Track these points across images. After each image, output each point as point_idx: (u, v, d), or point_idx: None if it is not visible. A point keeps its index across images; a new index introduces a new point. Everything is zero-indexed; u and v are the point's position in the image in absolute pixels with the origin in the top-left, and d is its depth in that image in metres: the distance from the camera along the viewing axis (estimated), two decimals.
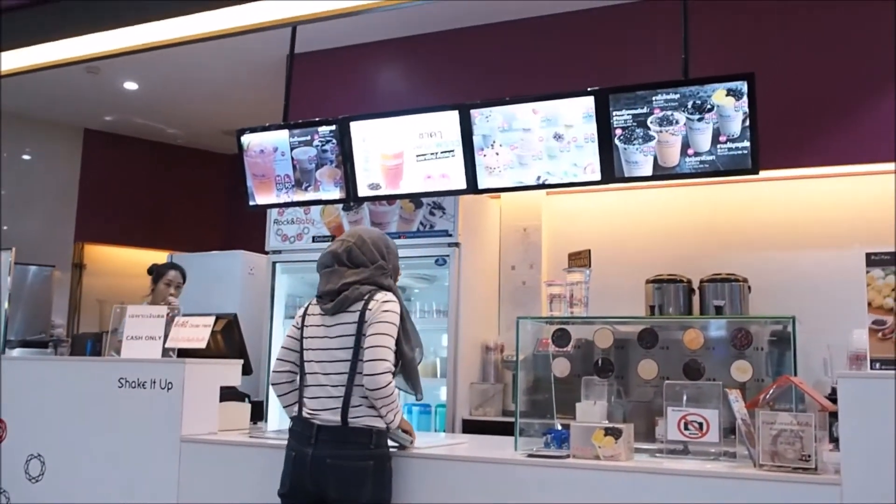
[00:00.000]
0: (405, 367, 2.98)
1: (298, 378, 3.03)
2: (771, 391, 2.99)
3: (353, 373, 2.87)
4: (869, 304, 2.66)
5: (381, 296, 2.94)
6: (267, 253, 5.45)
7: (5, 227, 7.37)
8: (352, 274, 2.98)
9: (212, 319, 3.97)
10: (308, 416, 2.94)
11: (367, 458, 2.85)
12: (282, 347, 3.12)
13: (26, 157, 7.70)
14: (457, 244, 4.85)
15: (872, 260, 2.72)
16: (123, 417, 3.75)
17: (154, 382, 3.72)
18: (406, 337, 2.98)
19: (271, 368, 3.14)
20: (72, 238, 7.98)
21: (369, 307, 2.90)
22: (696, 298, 4.54)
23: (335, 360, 2.92)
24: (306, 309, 3.10)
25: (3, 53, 4.49)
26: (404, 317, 2.99)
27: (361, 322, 2.88)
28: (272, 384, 3.12)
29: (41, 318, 6.97)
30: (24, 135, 7.55)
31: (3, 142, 7.41)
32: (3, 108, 6.90)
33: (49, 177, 7.83)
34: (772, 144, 3.85)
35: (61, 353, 4.86)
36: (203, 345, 3.80)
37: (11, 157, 7.58)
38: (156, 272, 5.01)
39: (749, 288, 4.45)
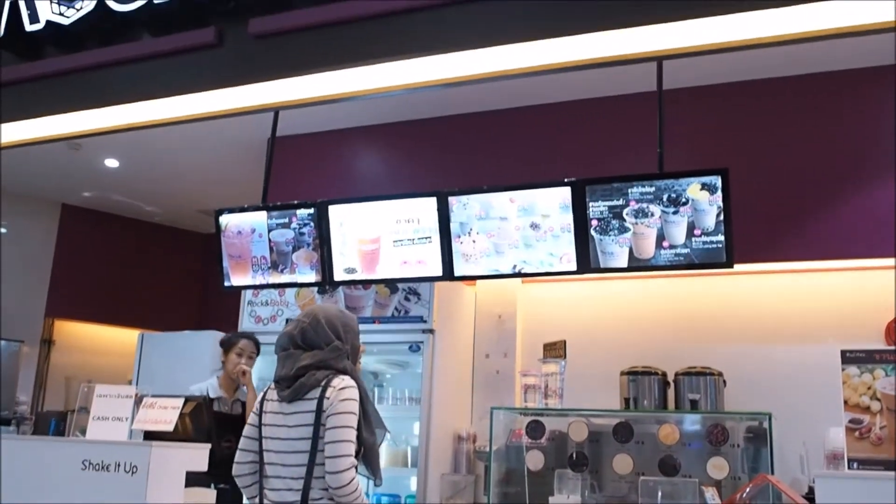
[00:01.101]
0: (366, 452, 2.89)
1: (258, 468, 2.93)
2: (748, 490, 2.95)
3: (313, 465, 2.78)
4: (845, 402, 2.65)
5: (338, 381, 2.84)
6: None
7: None
8: (307, 357, 2.89)
9: (180, 401, 3.88)
10: None
11: None
12: (243, 437, 3.00)
13: (2, 230, 7.63)
14: (431, 330, 4.82)
15: (848, 357, 2.72)
16: (86, 501, 3.62)
17: (119, 465, 3.59)
18: (366, 420, 2.89)
19: (235, 459, 3.03)
20: (42, 313, 7.86)
21: (327, 395, 2.80)
22: (670, 391, 4.51)
23: (295, 450, 2.82)
24: (264, 394, 3.01)
25: None
26: (364, 399, 2.89)
27: (319, 411, 2.79)
28: (235, 476, 3.01)
29: (6, 394, 6.81)
30: (1, 208, 7.50)
31: None
32: None
33: (24, 250, 7.75)
34: (747, 238, 3.89)
35: (24, 431, 4.73)
36: (171, 427, 3.71)
37: None
38: (227, 343, 4.78)
39: (724, 382, 4.43)
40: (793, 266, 4.63)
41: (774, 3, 2.94)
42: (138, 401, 3.91)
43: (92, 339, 8.22)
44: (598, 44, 3.17)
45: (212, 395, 4.45)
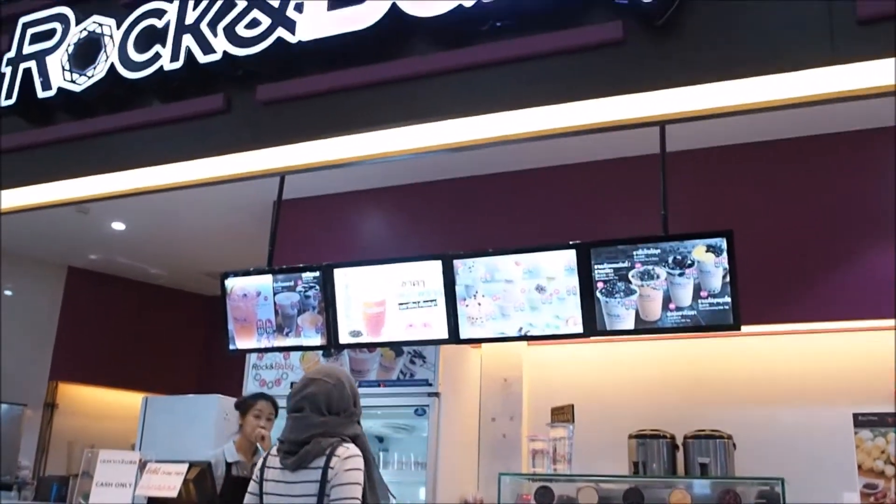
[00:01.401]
0: None
1: None
2: None
3: None
4: (859, 467, 2.62)
5: (343, 450, 2.76)
6: None
7: None
8: (321, 423, 2.79)
9: (184, 467, 3.84)
10: None
11: None
12: None
13: (8, 292, 7.65)
14: (437, 394, 4.78)
15: (860, 421, 2.70)
16: None
17: None
18: (371, 488, 2.82)
19: None
20: (46, 376, 7.82)
21: (331, 465, 2.71)
22: (680, 455, 4.44)
23: None
24: (265, 460, 2.93)
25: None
26: (369, 464, 2.81)
27: (324, 481, 2.73)
28: None
29: (8, 458, 6.75)
30: (8, 271, 7.53)
31: None
32: None
33: (29, 313, 7.76)
34: (754, 299, 3.87)
35: (25, 496, 4.67)
36: (174, 493, 3.68)
37: None
38: (244, 405, 4.58)
39: (734, 445, 4.37)
40: (801, 327, 4.60)
41: (774, 69, 2.98)
42: (142, 466, 3.87)
43: (95, 403, 8.17)
44: (601, 109, 3.22)
45: (229, 460, 4.36)
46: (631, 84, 3.17)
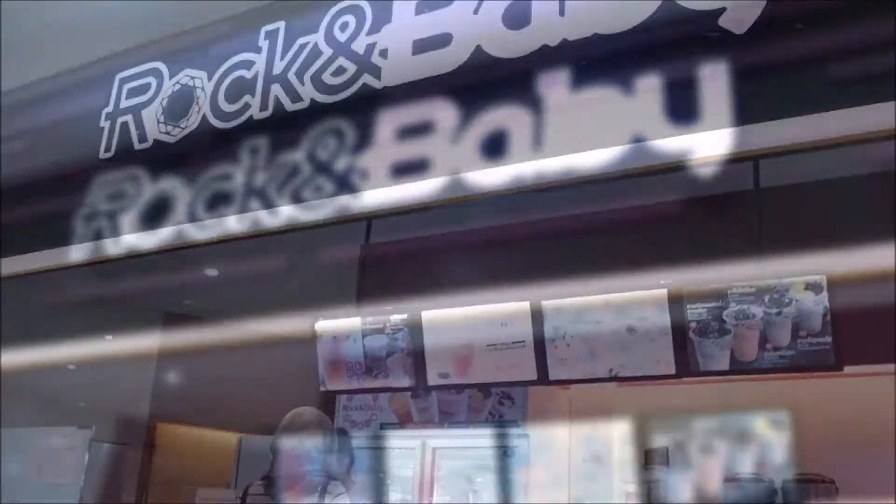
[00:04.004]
0: None
1: None
2: None
3: None
4: None
5: None
6: None
7: (82, 404, 7.49)
8: None
9: None
10: None
11: None
12: None
13: (108, 337, 7.89)
14: (526, 435, 4.73)
15: None
16: None
17: None
18: None
19: None
20: (146, 415, 8.03)
21: None
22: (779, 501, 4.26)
23: None
24: None
25: None
26: None
27: None
28: None
29: (110, 497, 6.95)
30: (107, 317, 7.78)
31: None
32: None
33: (128, 356, 7.98)
34: (857, 338, 3.70)
35: None
36: None
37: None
38: None
39: (836, 490, 4.17)
40: None
41: None
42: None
43: (193, 443, 8.33)
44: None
45: None
46: None
